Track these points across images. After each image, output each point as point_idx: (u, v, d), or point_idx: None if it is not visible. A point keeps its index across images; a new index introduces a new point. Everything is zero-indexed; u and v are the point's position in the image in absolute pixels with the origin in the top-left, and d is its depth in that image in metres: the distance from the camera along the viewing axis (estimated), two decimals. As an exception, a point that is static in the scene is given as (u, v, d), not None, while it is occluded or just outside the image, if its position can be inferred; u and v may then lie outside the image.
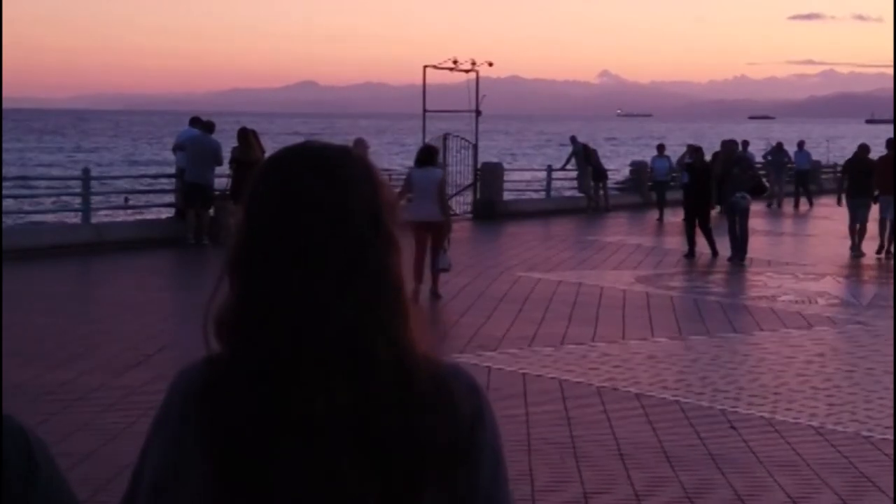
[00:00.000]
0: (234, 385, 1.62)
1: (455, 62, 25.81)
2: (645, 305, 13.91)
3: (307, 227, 1.64)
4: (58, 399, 8.54)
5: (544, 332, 11.91)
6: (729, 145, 20.24)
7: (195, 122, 20.40)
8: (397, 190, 14.21)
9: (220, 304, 1.68)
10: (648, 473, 7.09)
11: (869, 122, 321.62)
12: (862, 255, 19.88)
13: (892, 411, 8.59)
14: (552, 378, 9.69)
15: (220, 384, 1.64)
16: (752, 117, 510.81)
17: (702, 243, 19.32)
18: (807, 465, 7.36)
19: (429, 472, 1.62)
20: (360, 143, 14.69)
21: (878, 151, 21.41)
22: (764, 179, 26.39)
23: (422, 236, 13.85)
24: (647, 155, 34.22)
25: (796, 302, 14.44)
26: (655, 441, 7.81)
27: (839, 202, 21.18)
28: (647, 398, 9.03)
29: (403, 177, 15.15)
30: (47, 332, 11.23)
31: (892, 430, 8.11)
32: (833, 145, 57.20)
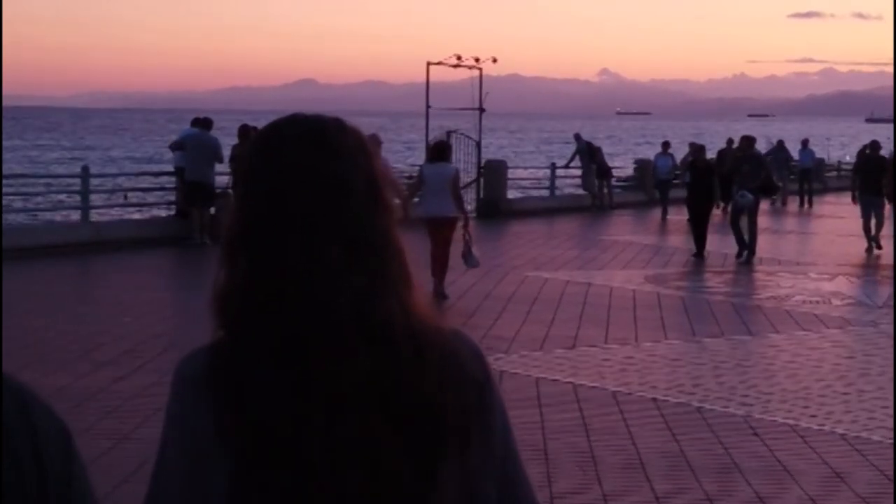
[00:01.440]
0: (251, 366, 1.58)
1: (459, 58, 25.53)
2: (656, 306, 13.63)
3: (311, 196, 1.62)
4: (54, 404, 8.15)
5: (555, 333, 11.63)
6: (745, 142, 19.85)
7: (197, 123, 20.17)
8: (407, 187, 14.00)
9: (220, 286, 1.64)
10: (670, 483, 6.81)
11: (868, 120, 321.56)
12: (880, 248, 19.80)
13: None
14: (566, 382, 9.41)
15: (234, 367, 1.59)
16: (751, 115, 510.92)
17: (710, 241, 19.03)
18: (835, 473, 7.08)
19: (449, 439, 1.61)
20: (373, 139, 14.55)
21: (886, 148, 21.19)
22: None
23: (436, 232, 13.70)
24: (647, 152, 33.98)
25: (810, 302, 14.16)
26: (676, 448, 7.52)
27: (854, 200, 20.92)
28: (665, 403, 8.75)
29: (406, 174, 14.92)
30: (45, 334, 10.95)
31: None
32: (830, 144, 57.03)
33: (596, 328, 11.98)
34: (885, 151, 20.98)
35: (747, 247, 18.37)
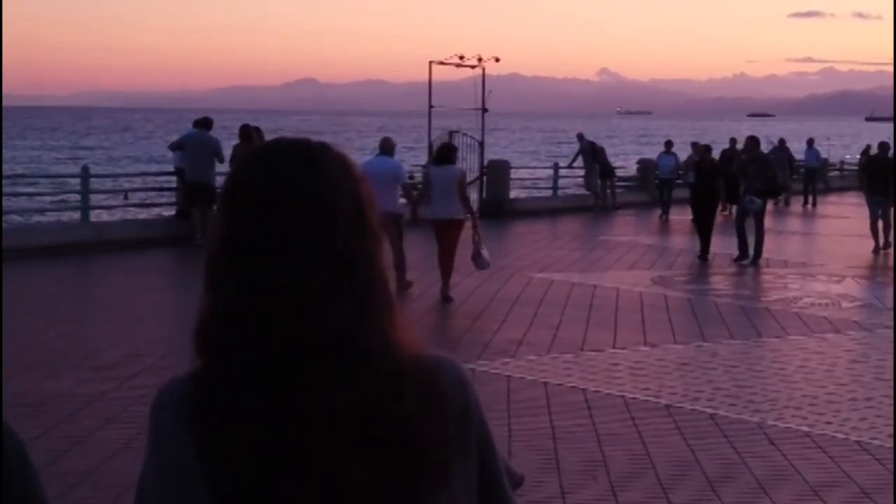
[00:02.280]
0: (231, 395, 1.56)
1: (461, 58, 25.34)
2: (664, 308, 13.44)
3: (296, 220, 1.59)
4: (54, 411, 8.06)
5: (563, 337, 11.44)
6: (750, 142, 19.61)
7: (198, 124, 19.97)
8: (418, 188, 13.88)
9: (201, 313, 1.61)
10: (687, 494, 6.62)
11: (868, 119, 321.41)
12: (889, 245, 19.72)
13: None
14: (575, 388, 9.22)
15: (215, 397, 1.57)
16: (751, 115, 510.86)
17: (714, 242, 18.83)
18: (854, 483, 6.90)
19: (428, 470, 1.59)
20: (387, 142, 14.48)
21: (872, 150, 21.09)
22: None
23: (443, 235, 13.69)
24: (647, 152, 33.79)
25: (819, 305, 13.97)
26: (691, 457, 7.33)
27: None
28: (678, 410, 8.55)
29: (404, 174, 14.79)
30: (44, 337, 10.75)
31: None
32: (832, 144, 56.82)
33: (604, 331, 11.79)
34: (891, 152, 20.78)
35: (754, 250, 18.14)
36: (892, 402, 8.89)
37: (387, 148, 14.40)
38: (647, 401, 8.82)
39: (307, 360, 1.56)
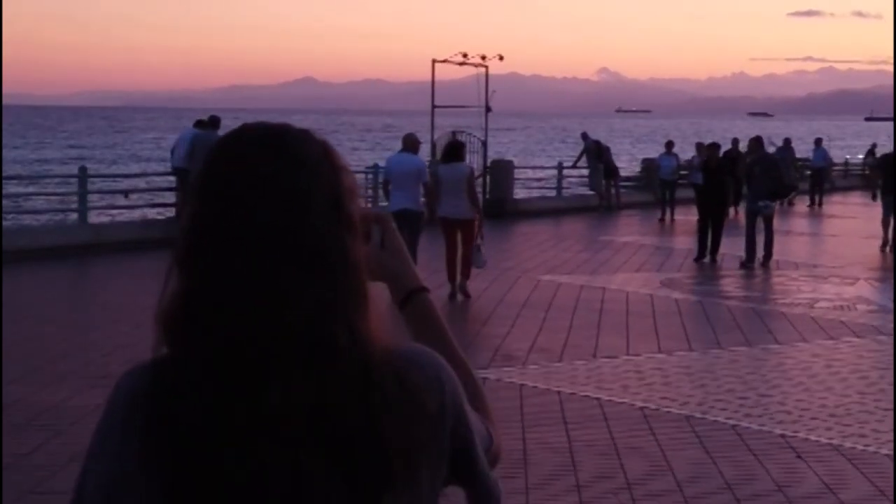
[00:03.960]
0: (182, 385, 1.51)
1: (465, 56, 25.02)
2: (676, 312, 13.11)
3: (264, 208, 1.53)
4: (50, 423, 7.71)
5: (574, 342, 11.11)
6: (754, 143, 19.24)
7: (200, 125, 19.62)
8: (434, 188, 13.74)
9: (166, 299, 1.57)
10: (714, 512, 6.29)
11: (868, 119, 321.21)
12: (886, 243, 19.58)
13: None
14: (590, 397, 8.88)
15: (168, 386, 1.52)
16: (751, 114, 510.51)
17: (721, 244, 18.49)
18: (889, 501, 6.57)
19: (393, 471, 1.52)
20: (410, 138, 14.22)
21: (884, 149, 20.83)
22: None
23: (452, 234, 13.66)
24: (648, 151, 33.45)
25: (835, 308, 13.63)
26: (715, 472, 7.00)
27: (874, 198, 20.48)
28: (699, 421, 8.21)
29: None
30: (40, 344, 10.41)
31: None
32: (833, 144, 56.49)
33: (616, 337, 11.46)
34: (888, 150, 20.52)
35: (764, 252, 17.77)
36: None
37: (410, 145, 14.11)
38: (666, 411, 8.48)
39: (265, 350, 1.50)
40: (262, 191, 1.54)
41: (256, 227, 1.53)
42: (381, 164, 20.50)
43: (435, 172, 14.01)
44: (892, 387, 9.27)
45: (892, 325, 12.52)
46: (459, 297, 13.60)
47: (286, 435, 1.49)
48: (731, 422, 8.21)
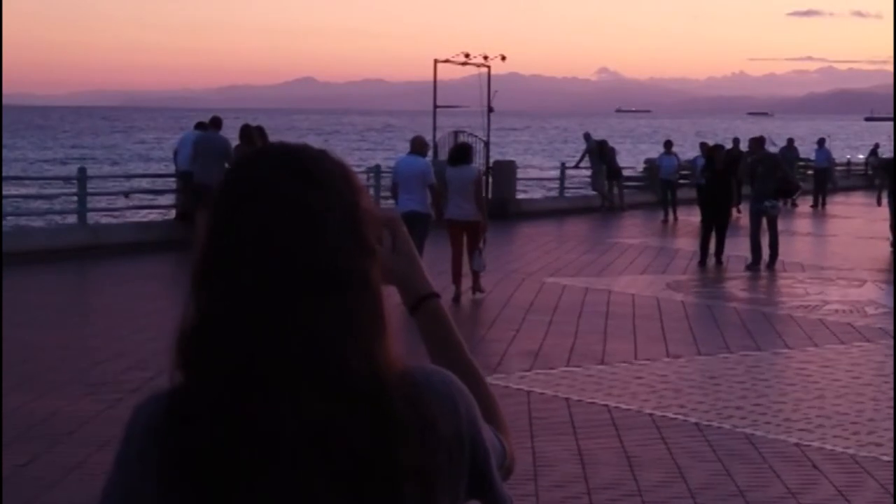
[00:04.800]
0: (196, 412, 1.49)
1: (467, 56, 24.85)
2: (683, 316, 12.94)
3: (279, 230, 1.50)
4: (46, 434, 7.53)
5: (581, 347, 10.93)
6: (755, 143, 19.04)
7: (201, 126, 19.45)
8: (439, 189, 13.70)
9: (181, 325, 1.53)
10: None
11: (868, 119, 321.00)
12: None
13: None
14: (599, 404, 8.71)
15: (183, 418, 1.50)
16: (750, 114, 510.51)
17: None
18: (908, 512, 6.40)
19: (406, 497, 1.50)
20: (419, 140, 14.09)
21: (886, 149, 20.66)
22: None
23: (458, 236, 13.61)
24: (649, 151, 33.27)
25: (844, 311, 13.46)
26: (731, 483, 6.83)
27: (879, 202, 20.30)
28: (710, 428, 8.04)
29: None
30: (38, 350, 10.22)
31: None
32: (833, 144, 56.33)
33: (623, 341, 11.28)
34: (887, 151, 20.40)
35: (770, 252, 17.59)
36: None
37: (418, 147, 13.98)
38: (677, 419, 8.30)
39: (278, 375, 1.47)
40: (281, 212, 1.51)
41: (274, 250, 1.50)
42: (385, 164, 20.36)
43: (441, 174, 13.86)
44: (906, 393, 9.10)
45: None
46: (478, 294, 13.71)
47: (300, 462, 1.47)
48: (744, 430, 8.02)
